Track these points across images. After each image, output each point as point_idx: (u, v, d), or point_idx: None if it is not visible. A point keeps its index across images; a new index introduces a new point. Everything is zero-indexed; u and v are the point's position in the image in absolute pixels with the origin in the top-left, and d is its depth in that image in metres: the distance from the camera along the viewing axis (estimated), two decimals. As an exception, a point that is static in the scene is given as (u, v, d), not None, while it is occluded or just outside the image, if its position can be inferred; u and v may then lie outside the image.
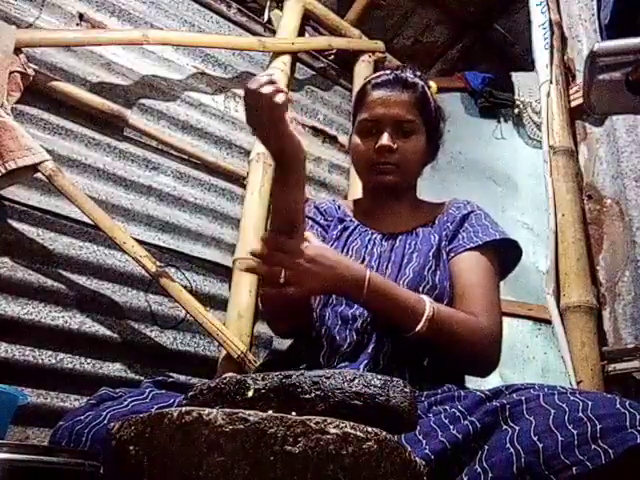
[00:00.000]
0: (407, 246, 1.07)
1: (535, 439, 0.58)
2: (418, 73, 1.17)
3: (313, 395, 0.43)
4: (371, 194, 1.17)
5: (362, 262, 1.05)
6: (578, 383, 1.83)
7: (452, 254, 1.06)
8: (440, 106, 1.19)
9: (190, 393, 0.51)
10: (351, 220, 1.16)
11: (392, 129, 1.08)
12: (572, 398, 0.61)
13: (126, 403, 0.72)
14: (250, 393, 0.44)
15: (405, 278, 1.00)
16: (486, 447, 0.61)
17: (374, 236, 1.11)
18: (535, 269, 2.35)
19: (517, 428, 0.60)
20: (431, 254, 1.04)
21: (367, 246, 1.09)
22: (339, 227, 1.13)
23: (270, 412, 0.40)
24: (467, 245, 1.05)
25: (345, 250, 1.08)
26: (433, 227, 1.11)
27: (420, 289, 0.98)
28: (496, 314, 0.99)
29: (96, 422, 0.67)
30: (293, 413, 0.40)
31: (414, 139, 1.10)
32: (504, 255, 1.10)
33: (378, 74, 1.16)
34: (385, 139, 1.07)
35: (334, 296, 1.02)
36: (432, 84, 1.19)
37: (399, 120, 1.08)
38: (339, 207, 1.20)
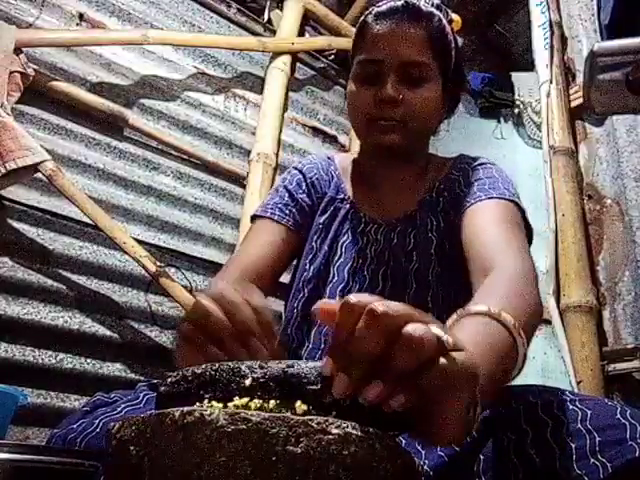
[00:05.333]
0: (406, 241, 0.89)
1: (532, 452, 0.56)
2: (436, 1, 0.92)
3: (320, 386, 0.40)
4: (369, 157, 0.96)
5: (354, 265, 0.89)
6: (578, 383, 1.83)
7: (459, 217, 0.85)
8: (460, 46, 0.95)
9: (170, 379, 0.44)
10: (344, 199, 0.95)
11: (398, 74, 0.85)
12: (571, 407, 0.58)
13: (119, 409, 0.70)
14: (247, 382, 0.41)
15: (409, 291, 0.85)
16: (482, 457, 0.58)
17: (368, 227, 0.91)
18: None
19: (514, 438, 0.58)
20: (432, 250, 0.87)
21: (359, 242, 0.90)
22: (329, 211, 0.94)
23: (272, 402, 0.40)
24: (477, 198, 0.84)
25: (334, 248, 0.91)
26: (430, 202, 0.92)
27: (429, 301, 0.84)
28: (527, 257, 0.74)
29: (88, 431, 0.65)
30: (298, 403, 0.40)
31: (426, 88, 0.87)
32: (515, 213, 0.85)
33: (383, 2, 0.91)
34: (388, 88, 0.84)
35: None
36: (455, 17, 0.96)
37: (407, 63, 0.85)
38: (333, 175, 0.98)
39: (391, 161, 0.92)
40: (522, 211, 0.86)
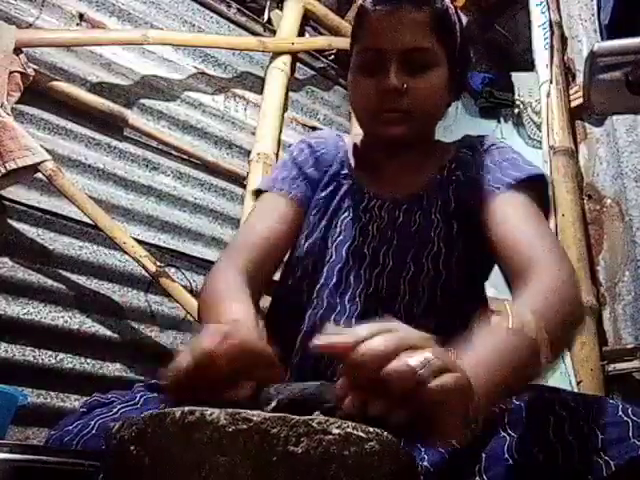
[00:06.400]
0: (411, 221, 0.84)
1: (535, 450, 0.55)
2: None
3: (333, 403, 0.44)
4: (373, 146, 0.92)
5: (354, 243, 0.84)
6: (578, 383, 1.83)
7: (480, 204, 0.81)
8: (464, 25, 0.90)
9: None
10: (347, 175, 0.91)
11: (401, 62, 0.81)
12: (573, 405, 0.58)
13: (116, 410, 0.68)
14: (273, 404, 0.44)
15: (405, 275, 0.81)
16: (484, 455, 0.58)
17: (371, 204, 0.87)
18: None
19: (516, 436, 0.57)
20: (432, 233, 0.83)
21: (361, 218, 0.86)
22: (331, 187, 0.90)
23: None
24: (497, 187, 0.81)
25: (333, 224, 0.86)
26: (440, 182, 0.87)
27: (420, 284, 0.80)
28: (564, 253, 0.75)
29: (84, 432, 0.64)
30: (316, 413, 0.42)
31: (431, 74, 0.83)
32: (542, 195, 0.84)
33: None
34: (391, 78, 0.80)
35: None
36: None
37: (410, 49, 0.81)
38: (340, 151, 0.94)
39: (395, 151, 0.89)
40: (546, 186, 0.85)
